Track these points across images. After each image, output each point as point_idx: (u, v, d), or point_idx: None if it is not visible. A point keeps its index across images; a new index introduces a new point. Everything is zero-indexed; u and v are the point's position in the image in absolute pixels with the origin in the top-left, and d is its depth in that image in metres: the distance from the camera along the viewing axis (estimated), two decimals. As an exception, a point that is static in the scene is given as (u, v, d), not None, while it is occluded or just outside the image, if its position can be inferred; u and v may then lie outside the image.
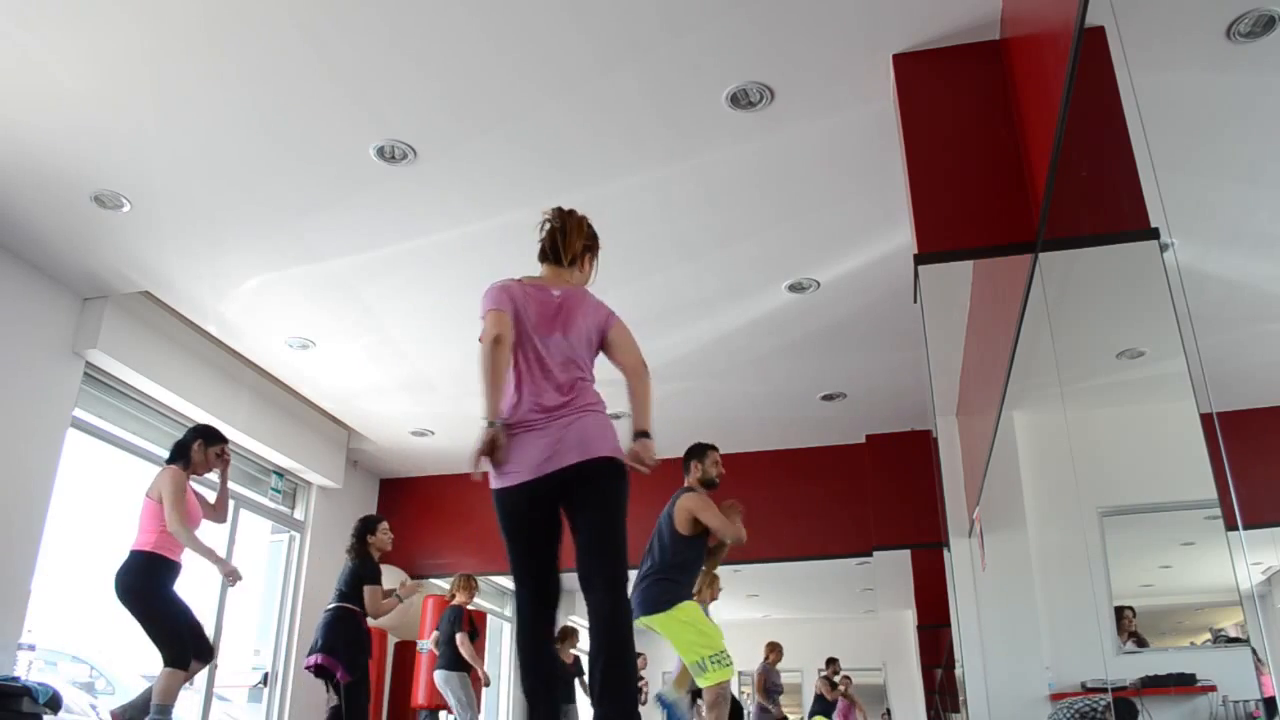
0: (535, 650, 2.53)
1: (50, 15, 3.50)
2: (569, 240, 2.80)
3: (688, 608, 3.95)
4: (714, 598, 5.50)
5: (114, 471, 6.04)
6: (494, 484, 2.54)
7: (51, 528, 5.19)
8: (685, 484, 4.29)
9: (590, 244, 2.88)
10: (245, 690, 7.40)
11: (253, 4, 3.47)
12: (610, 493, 2.54)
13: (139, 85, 3.87)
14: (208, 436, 4.51)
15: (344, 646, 4.89)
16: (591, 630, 2.44)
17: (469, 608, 6.62)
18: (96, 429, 5.77)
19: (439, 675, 6.46)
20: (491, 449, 2.42)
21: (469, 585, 6.62)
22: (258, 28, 3.58)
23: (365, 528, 5.19)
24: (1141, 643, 3.63)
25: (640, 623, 3.96)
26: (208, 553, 4.31)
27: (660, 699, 4.91)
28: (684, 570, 4.05)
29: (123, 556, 4.21)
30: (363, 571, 5.06)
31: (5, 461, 4.99)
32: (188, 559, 4.30)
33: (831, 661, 10.15)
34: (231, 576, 4.39)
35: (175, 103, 3.98)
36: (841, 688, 10.06)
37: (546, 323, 2.63)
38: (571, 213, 2.86)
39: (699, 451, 4.33)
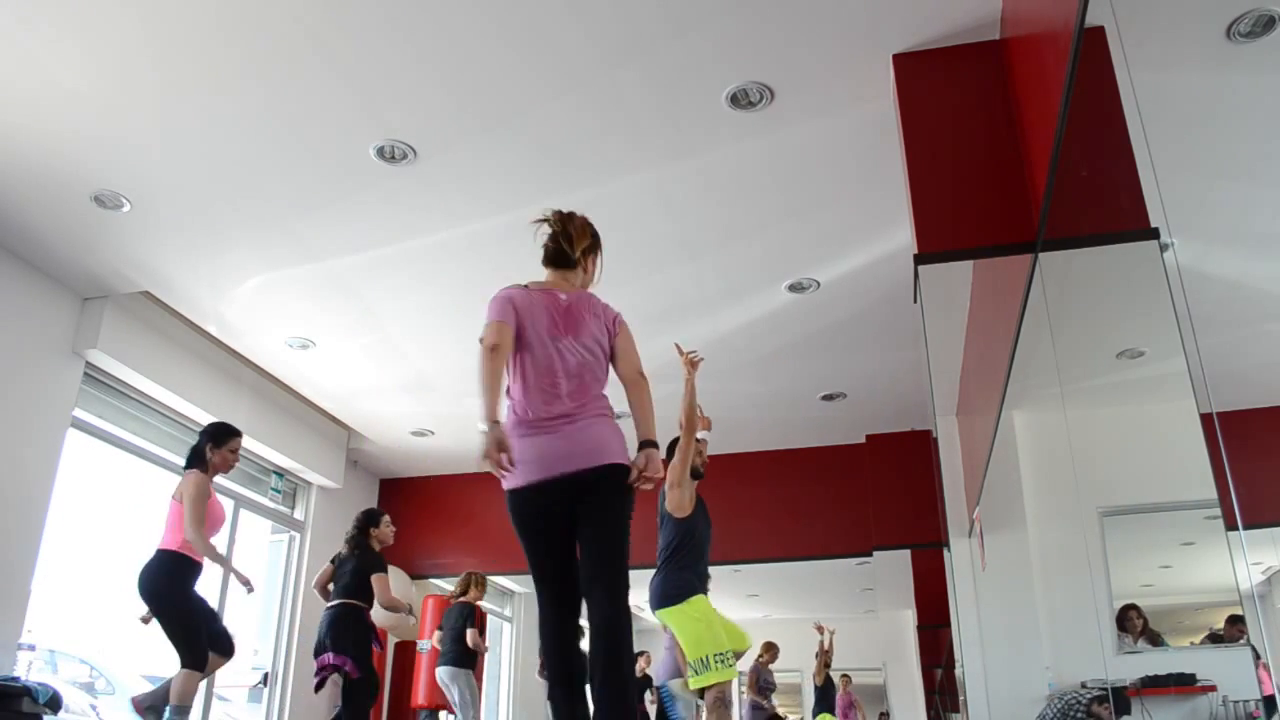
0: (563, 656, 2.55)
1: (50, 15, 3.50)
2: (574, 242, 2.79)
3: (697, 602, 3.92)
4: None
5: (114, 471, 6.05)
6: (506, 484, 2.55)
7: (51, 528, 5.19)
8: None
9: (593, 244, 2.88)
10: (245, 690, 7.40)
11: (253, 4, 3.47)
12: (616, 503, 2.55)
13: (139, 85, 3.87)
14: (215, 437, 4.53)
15: (353, 644, 4.90)
16: (591, 634, 2.47)
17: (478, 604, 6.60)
18: (96, 429, 5.77)
19: (444, 671, 6.40)
20: (498, 449, 2.41)
21: (481, 583, 6.59)
22: (258, 28, 3.58)
23: (368, 520, 5.20)
24: (1156, 641, 3.62)
25: (657, 616, 3.96)
26: (222, 560, 4.40)
27: (663, 689, 4.87)
28: (688, 553, 4.00)
29: (148, 554, 4.27)
30: (368, 563, 5.06)
31: (5, 461, 4.99)
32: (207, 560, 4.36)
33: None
34: (246, 585, 4.46)
35: (175, 103, 3.98)
36: (841, 684, 10.04)
37: (557, 327, 2.63)
38: (572, 215, 2.85)
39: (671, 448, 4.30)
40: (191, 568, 4.27)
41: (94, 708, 5.72)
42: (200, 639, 4.17)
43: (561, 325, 2.64)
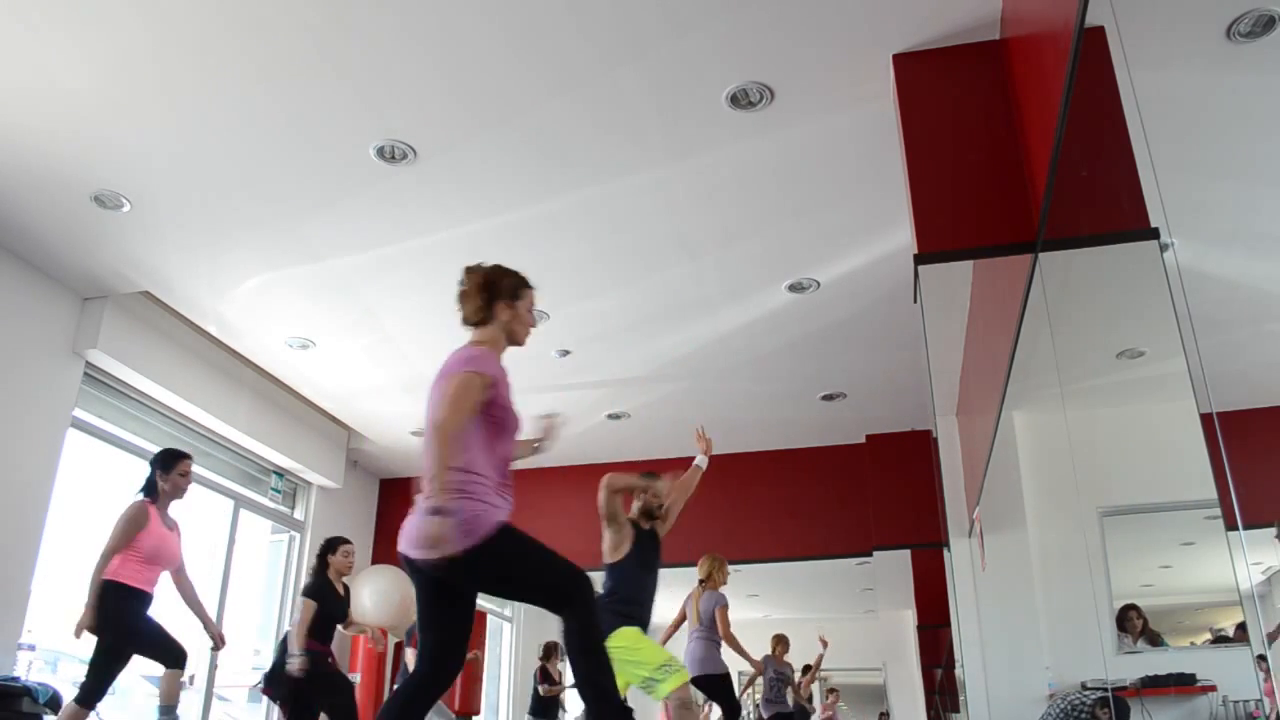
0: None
1: (50, 15, 3.50)
2: (463, 302, 2.72)
3: (620, 635, 3.89)
4: (724, 581, 5.47)
5: (114, 471, 6.04)
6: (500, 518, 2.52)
7: (51, 528, 5.19)
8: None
9: (490, 296, 2.68)
10: (245, 690, 7.40)
11: (253, 4, 3.47)
12: (478, 580, 2.59)
13: (139, 85, 3.87)
14: (163, 463, 4.40)
15: (276, 674, 4.87)
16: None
17: None
18: (96, 429, 5.77)
19: None
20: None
21: None
22: (258, 28, 3.58)
23: (327, 548, 5.14)
24: (1156, 641, 3.62)
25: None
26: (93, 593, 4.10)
27: None
28: (619, 596, 4.01)
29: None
30: (308, 584, 5.06)
31: (5, 461, 4.99)
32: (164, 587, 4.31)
33: (806, 670, 9.92)
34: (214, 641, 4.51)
35: (175, 103, 3.98)
36: (831, 698, 9.97)
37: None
38: (469, 271, 2.73)
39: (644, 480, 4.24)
40: (129, 595, 4.11)
41: (97, 713, 5.71)
42: (165, 641, 4.15)
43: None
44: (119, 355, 5.58)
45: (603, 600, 3.97)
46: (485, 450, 2.53)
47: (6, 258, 5.07)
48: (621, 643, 3.86)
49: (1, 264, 5.04)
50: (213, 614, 6.38)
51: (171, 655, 4.13)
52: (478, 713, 8.03)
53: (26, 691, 4.26)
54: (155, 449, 6.05)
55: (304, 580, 7.32)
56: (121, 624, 4.08)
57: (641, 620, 4.05)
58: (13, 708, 4.19)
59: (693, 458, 4.51)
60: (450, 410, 2.42)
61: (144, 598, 4.19)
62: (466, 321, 2.72)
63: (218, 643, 4.57)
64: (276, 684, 4.87)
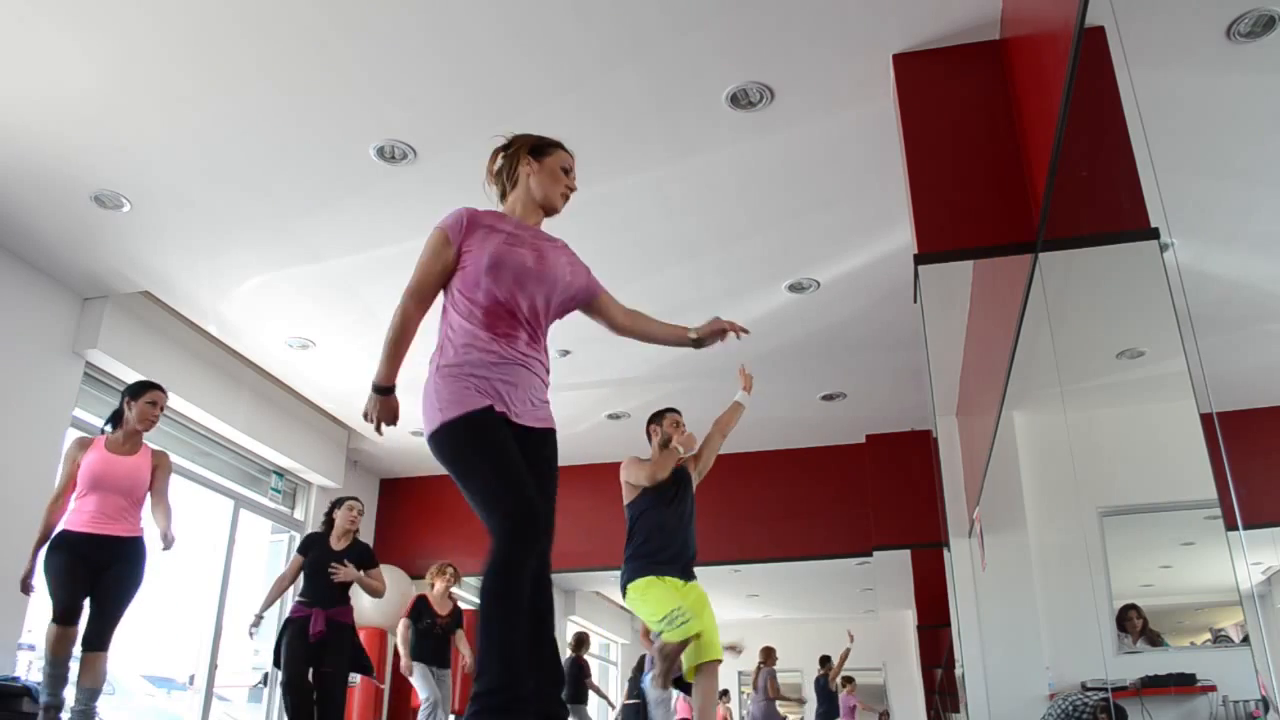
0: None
1: (51, 15, 3.50)
2: (491, 182, 2.61)
3: (634, 586, 3.95)
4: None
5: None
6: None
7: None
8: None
9: (513, 156, 2.58)
10: (245, 690, 7.40)
11: (253, 5, 3.47)
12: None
13: (139, 85, 3.87)
14: (132, 391, 4.17)
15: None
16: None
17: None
18: (96, 429, 5.76)
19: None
20: None
21: (443, 572, 6.19)
22: (258, 28, 3.58)
23: (333, 505, 5.15)
24: (1156, 641, 3.62)
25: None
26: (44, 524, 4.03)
27: (643, 689, 4.85)
28: (636, 540, 4.02)
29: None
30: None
31: (5, 461, 4.99)
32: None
33: (825, 660, 10.16)
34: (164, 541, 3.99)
35: (175, 103, 3.98)
36: (848, 689, 10.08)
37: None
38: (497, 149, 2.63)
39: (657, 416, 4.28)
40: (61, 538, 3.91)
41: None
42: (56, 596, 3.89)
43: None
44: (119, 355, 5.58)
45: (627, 549, 4.01)
46: (466, 313, 2.27)
47: (6, 258, 5.07)
48: (633, 594, 3.93)
49: (1, 264, 5.04)
50: (212, 616, 6.40)
51: (54, 610, 3.83)
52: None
53: (26, 691, 4.26)
54: (155, 449, 6.06)
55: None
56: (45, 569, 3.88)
57: (669, 566, 3.94)
58: (13, 708, 4.19)
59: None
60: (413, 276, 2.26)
61: (77, 541, 3.88)
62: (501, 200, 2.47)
63: (166, 543, 3.99)
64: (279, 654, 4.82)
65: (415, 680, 5.93)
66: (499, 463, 2.12)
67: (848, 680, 10.21)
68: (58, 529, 3.96)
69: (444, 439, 2.23)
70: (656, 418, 4.27)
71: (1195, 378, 2.34)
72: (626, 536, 4.05)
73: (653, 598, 3.90)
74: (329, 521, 5.10)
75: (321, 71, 3.80)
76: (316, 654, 4.76)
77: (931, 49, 3.69)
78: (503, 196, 2.54)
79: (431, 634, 5.93)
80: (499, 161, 2.59)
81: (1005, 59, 3.58)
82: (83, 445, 4.10)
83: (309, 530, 7.59)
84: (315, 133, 4.15)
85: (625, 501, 4.10)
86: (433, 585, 6.11)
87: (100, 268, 5.22)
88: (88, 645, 3.85)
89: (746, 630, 10.29)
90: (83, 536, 3.92)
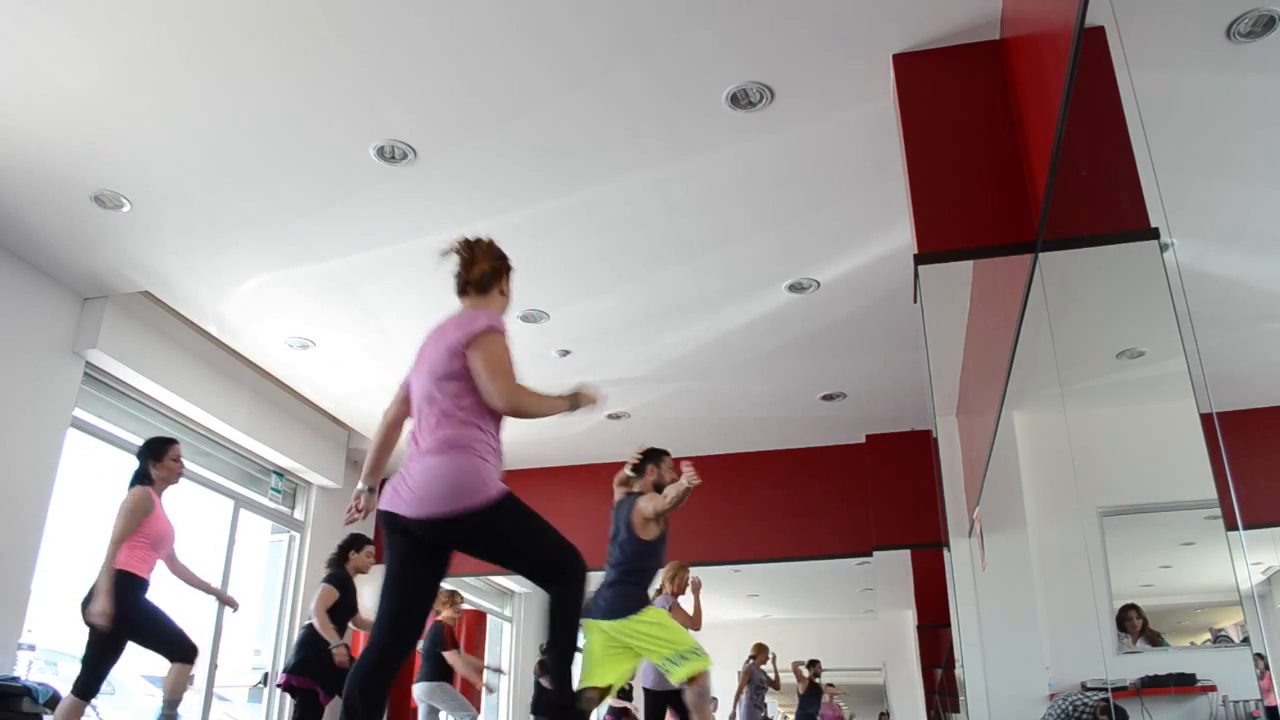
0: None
1: (51, 15, 3.50)
2: (469, 270, 2.81)
3: (651, 612, 3.92)
4: (680, 591, 5.43)
5: (114, 471, 6.04)
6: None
7: (51, 528, 5.19)
8: (637, 488, 4.17)
9: (497, 265, 2.85)
10: (245, 690, 7.40)
11: (252, 5, 3.47)
12: (479, 541, 2.58)
13: (139, 85, 3.87)
14: (153, 451, 4.31)
15: (319, 665, 4.82)
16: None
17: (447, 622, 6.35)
18: (96, 429, 5.77)
19: (419, 688, 6.24)
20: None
21: (451, 600, 6.40)
22: (257, 28, 3.58)
23: (351, 544, 5.16)
24: (1156, 641, 3.62)
25: (606, 627, 3.87)
26: (195, 581, 4.46)
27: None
28: (646, 574, 4.03)
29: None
30: (332, 573, 5.05)
31: (5, 461, 4.99)
32: (160, 575, 4.26)
33: (813, 664, 10.06)
34: (227, 603, 4.46)
35: (175, 103, 3.98)
36: (828, 695, 10.04)
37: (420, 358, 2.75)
38: (477, 241, 2.85)
39: (656, 456, 4.23)
40: (137, 584, 4.08)
41: (94, 707, 5.71)
42: (175, 634, 4.11)
43: (416, 363, 2.78)
44: (119, 355, 5.58)
45: (620, 576, 3.97)
46: (489, 409, 2.59)
47: (6, 258, 5.07)
48: (652, 618, 3.90)
49: (1, 264, 5.04)
50: (212, 616, 6.40)
51: (181, 650, 4.09)
52: (479, 712, 8.00)
53: (26, 691, 4.27)
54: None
55: (304, 581, 7.35)
56: (135, 615, 4.01)
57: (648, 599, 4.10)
58: (13, 708, 4.19)
59: (691, 459, 4.47)
60: (504, 376, 2.55)
61: (147, 586, 4.15)
62: (470, 284, 2.79)
63: (233, 605, 4.69)
64: (314, 673, 4.82)
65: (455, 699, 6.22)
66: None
67: (828, 686, 10.14)
68: (129, 572, 4.09)
69: (511, 498, 2.59)
70: (655, 458, 4.22)
71: (1195, 377, 2.33)
72: (624, 566, 3.98)
73: (676, 626, 3.94)
74: (344, 557, 5.12)
75: (321, 71, 3.80)
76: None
77: (931, 49, 3.69)
78: (477, 289, 2.85)
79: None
80: (484, 256, 2.86)
81: (1005, 59, 3.58)
82: (150, 501, 4.21)
83: (309, 530, 7.60)
84: (315, 133, 4.15)
85: (647, 537, 4.01)
86: (439, 612, 6.25)
87: (100, 268, 5.22)
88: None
89: (747, 630, 10.28)
90: (147, 586, 4.18)
